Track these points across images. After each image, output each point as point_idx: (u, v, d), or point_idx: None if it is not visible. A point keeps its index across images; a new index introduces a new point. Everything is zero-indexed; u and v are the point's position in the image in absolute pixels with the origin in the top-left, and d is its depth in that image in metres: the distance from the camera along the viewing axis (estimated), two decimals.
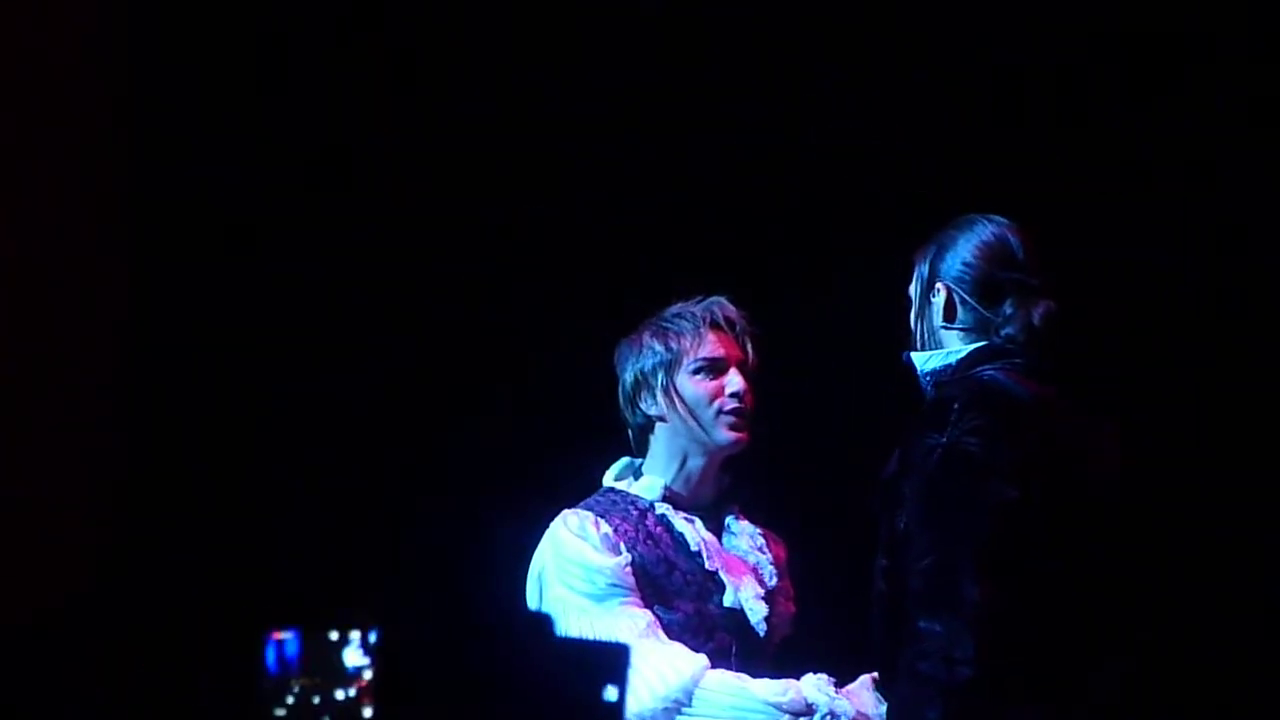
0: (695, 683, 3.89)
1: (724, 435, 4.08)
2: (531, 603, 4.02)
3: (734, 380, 4.08)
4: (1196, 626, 5.16)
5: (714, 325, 4.12)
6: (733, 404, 4.07)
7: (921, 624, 3.53)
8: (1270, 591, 5.24)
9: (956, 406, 3.61)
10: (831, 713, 3.89)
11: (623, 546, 4.00)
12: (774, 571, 4.13)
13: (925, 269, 3.83)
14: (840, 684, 3.95)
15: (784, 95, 5.37)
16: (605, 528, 4.01)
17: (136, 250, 5.38)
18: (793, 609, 4.16)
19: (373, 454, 5.39)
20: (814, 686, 3.92)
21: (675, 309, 4.16)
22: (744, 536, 4.14)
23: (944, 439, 3.58)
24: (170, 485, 5.35)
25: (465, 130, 5.44)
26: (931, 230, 3.88)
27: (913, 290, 3.86)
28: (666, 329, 4.12)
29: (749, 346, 4.14)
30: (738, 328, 4.14)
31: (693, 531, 4.07)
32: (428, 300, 5.42)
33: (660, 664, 3.89)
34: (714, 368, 4.09)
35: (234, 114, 5.40)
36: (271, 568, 5.30)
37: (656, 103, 5.41)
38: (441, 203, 5.44)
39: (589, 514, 4.04)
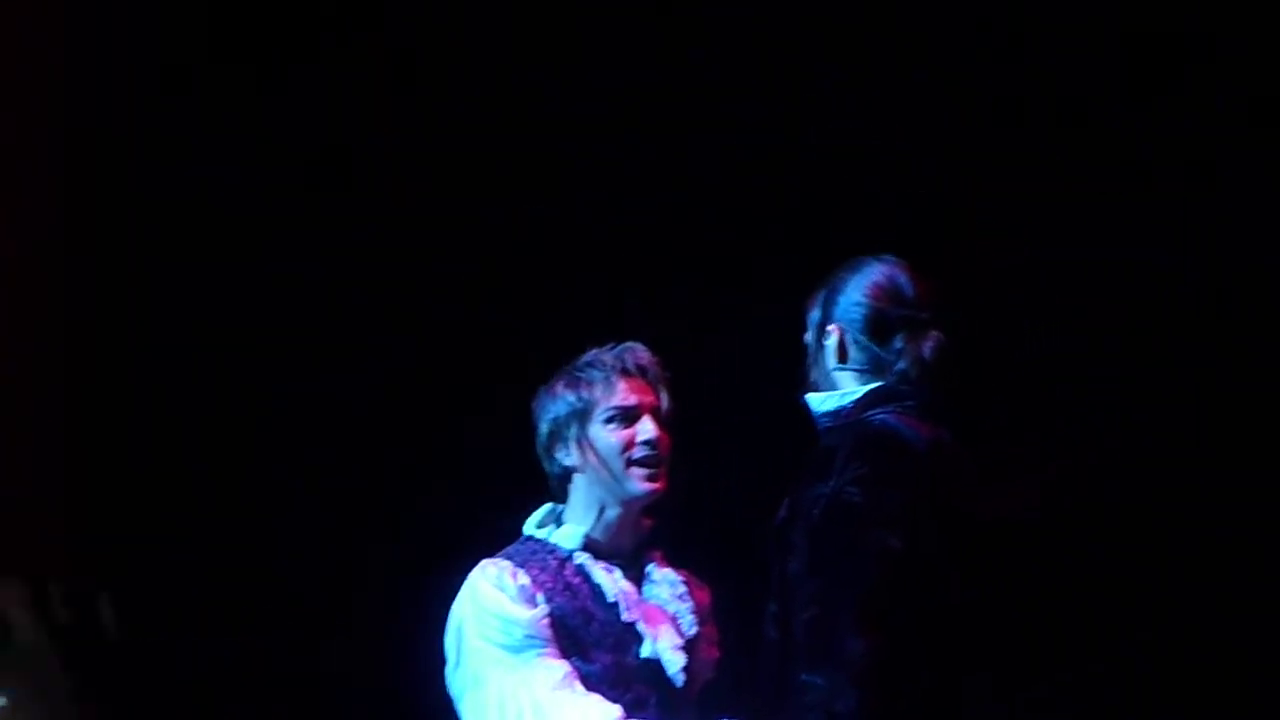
0: None
1: (637, 487, 4.06)
2: (450, 653, 4.02)
3: (646, 428, 4.06)
4: (1086, 676, 5.16)
5: (625, 373, 4.09)
6: (644, 452, 4.05)
7: (804, 676, 3.56)
8: (1177, 644, 5.21)
9: (842, 455, 3.63)
10: None
11: (540, 597, 4.00)
12: (693, 620, 4.11)
13: (818, 313, 3.88)
14: None
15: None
16: (523, 578, 4.01)
17: (133, 249, 5.44)
18: (716, 654, 4.15)
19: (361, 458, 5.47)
20: None
21: (588, 357, 4.14)
22: (664, 585, 4.13)
23: (828, 489, 3.61)
24: (159, 484, 5.42)
25: (459, 130, 5.47)
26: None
27: (808, 337, 3.90)
28: (579, 378, 4.10)
29: (663, 393, 4.11)
30: (650, 374, 4.12)
31: (611, 582, 4.06)
32: (415, 304, 5.48)
33: (573, 716, 3.89)
34: (626, 416, 4.07)
35: (231, 112, 5.43)
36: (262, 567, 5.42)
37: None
38: (423, 208, 5.49)
39: (507, 564, 4.04)
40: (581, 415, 4.08)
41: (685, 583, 4.18)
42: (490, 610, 3.99)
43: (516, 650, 3.97)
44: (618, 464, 4.06)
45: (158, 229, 5.45)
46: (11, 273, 5.23)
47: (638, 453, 4.06)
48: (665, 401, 4.12)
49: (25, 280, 5.26)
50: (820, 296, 3.88)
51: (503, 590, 4.01)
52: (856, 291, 3.83)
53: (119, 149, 5.43)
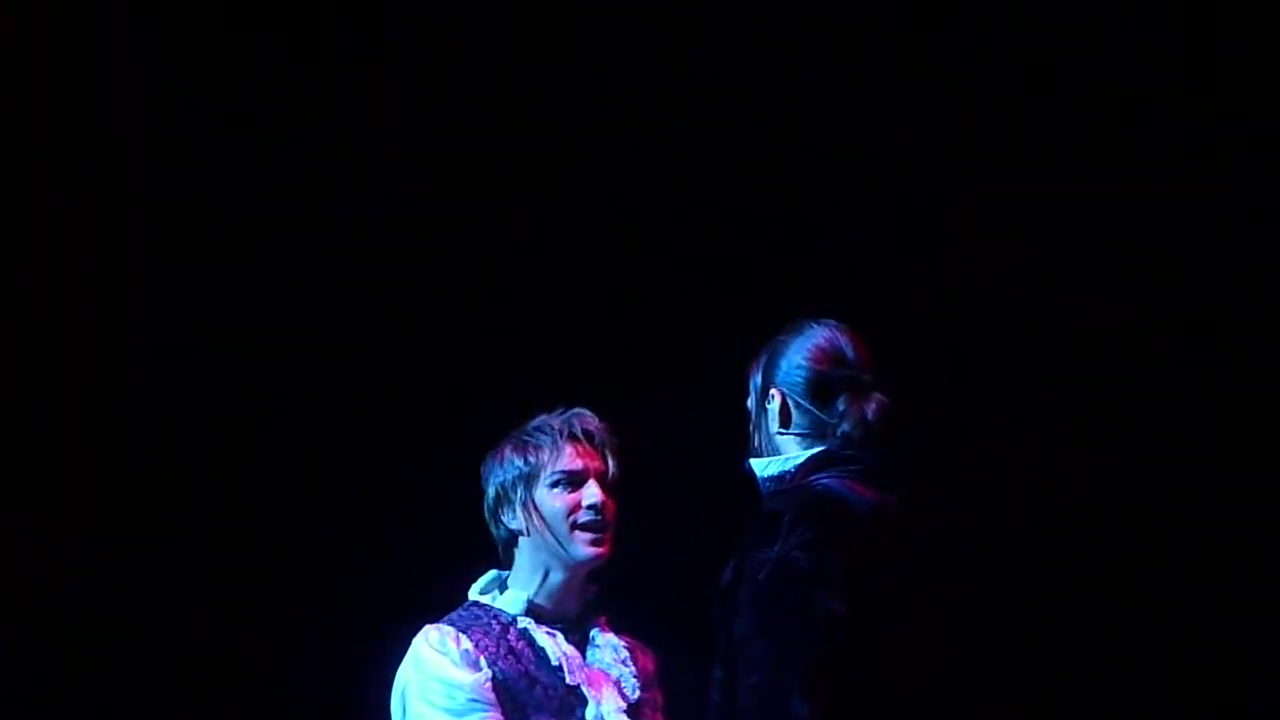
0: None
1: (581, 551, 4.06)
2: (395, 717, 4.03)
3: (591, 492, 4.07)
4: (1071, 619, 5.19)
5: (572, 438, 4.10)
6: (589, 516, 4.06)
7: None
8: (1154, 593, 5.23)
9: (786, 519, 3.62)
10: None
11: (483, 661, 4.00)
12: (637, 685, 4.11)
13: (759, 378, 3.86)
14: None
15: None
16: (466, 643, 4.01)
17: (127, 249, 5.47)
18: (660, 719, 4.15)
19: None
20: None
21: (537, 421, 4.14)
22: (608, 649, 4.13)
23: (773, 553, 3.59)
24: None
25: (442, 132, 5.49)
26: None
27: (750, 402, 3.88)
28: (526, 442, 4.11)
29: (610, 458, 4.11)
30: (596, 439, 4.12)
31: (554, 646, 4.06)
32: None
33: None
34: (572, 480, 4.07)
35: (229, 111, 5.46)
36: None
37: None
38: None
39: (450, 629, 4.04)
40: (528, 479, 4.09)
41: (629, 648, 4.18)
42: (433, 674, 4.00)
43: (459, 714, 3.98)
44: (563, 528, 4.07)
45: (150, 227, 5.48)
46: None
47: (583, 517, 4.07)
48: (612, 467, 4.12)
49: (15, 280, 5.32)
50: (761, 360, 3.87)
51: (445, 654, 4.01)
52: (798, 355, 3.82)
53: (117, 146, 5.46)
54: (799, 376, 3.80)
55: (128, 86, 5.46)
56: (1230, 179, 5.20)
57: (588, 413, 4.14)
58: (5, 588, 5.32)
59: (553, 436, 4.09)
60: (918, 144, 5.28)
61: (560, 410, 4.15)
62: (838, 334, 3.83)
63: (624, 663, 4.14)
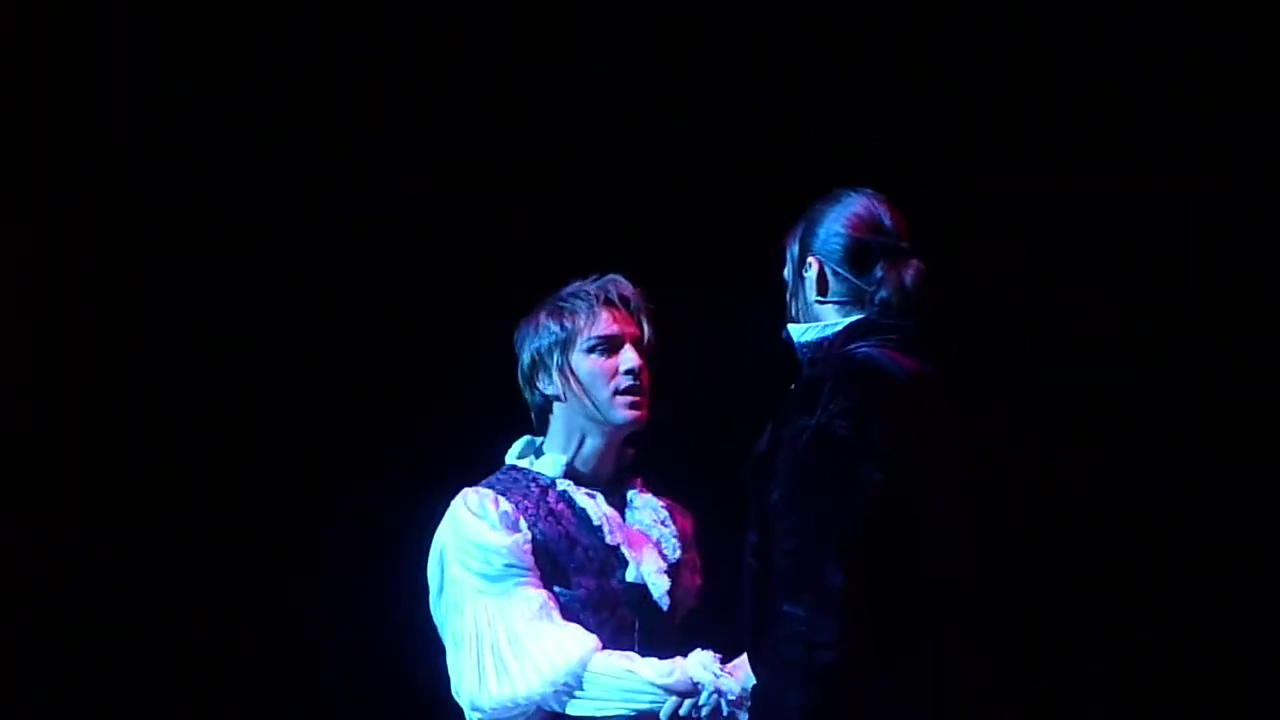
0: (583, 666, 3.91)
1: (620, 415, 4.07)
2: (433, 581, 4.04)
3: (628, 357, 4.07)
4: (1071, 619, 5.17)
5: (608, 303, 4.11)
6: (628, 381, 4.06)
7: (785, 608, 3.53)
8: (1154, 593, 5.23)
9: (827, 388, 3.60)
10: (717, 690, 3.90)
11: (523, 523, 4.01)
12: (677, 545, 4.13)
13: (796, 247, 3.84)
14: (729, 660, 3.96)
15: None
16: (505, 505, 4.02)
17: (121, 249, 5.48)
18: (699, 581, 4.17)
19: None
20: (699, 665, 3.93)
21: (571, 288, 4.15)
22: (646, 510, 4.15)
23: (813, 421, 3.57)
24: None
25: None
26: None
27: (787, 272, 3.87)
28: (561, 308, 4.11)
29: (645, 324, 4.12)
30: (633, 305, 4.13)
31: (595, 507, 4.08)
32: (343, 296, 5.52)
33: (549, 647, 3.91)
34: (609, 345, 4.08)
35: (221, 111, 5.48)
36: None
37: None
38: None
39: (489, 492, 4.04)
40: (564, 344, 4.10)
41: (667, 508, 4.19)
42: (470, 538, 4.01)
43: (495, 579, 3.98)
44: (600, 393, 4.08)
45: (148, 226, 5.50)
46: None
47: (620, 382, 4.08)
48: (648, 332, 4.13)
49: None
50: (798, 229, 3.85)
51: (484, 517, 4.02)
52: (835, 223, 3.80)
53: (113, 145, 5.46)
54: (837, 244, 3.78)
55: (126, 85, 5.45)
56: (1230, 178, 5.19)
57: (622, 279, 4.15)
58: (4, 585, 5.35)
59: (589, 302, 4.10)
60: (916, 142, 5.25)
61: (595, 277, 4.16)
62: (875, 202, 3.81)
63: (663, 523, 4.15)
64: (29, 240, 5.40)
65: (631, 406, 4.08)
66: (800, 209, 3.85)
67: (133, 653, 5.40)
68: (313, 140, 5.50)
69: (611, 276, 4.15)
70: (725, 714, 3.91)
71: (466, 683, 3.97)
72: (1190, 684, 5.22)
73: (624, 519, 4.13)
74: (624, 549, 4.07)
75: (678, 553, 4.13)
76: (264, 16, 5.49)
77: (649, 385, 4.11)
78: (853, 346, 3.72)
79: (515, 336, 4.17)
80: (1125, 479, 5.25)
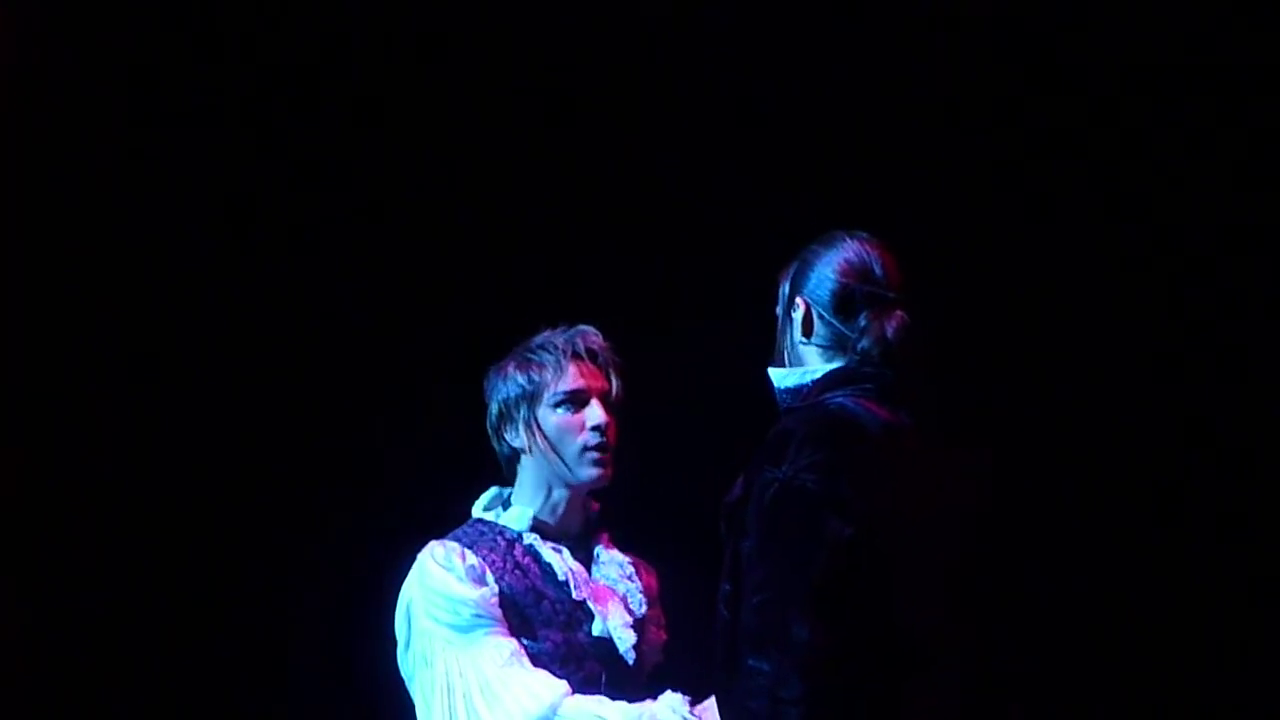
0: (554, 710, 3.92)
1: (585, 473, 4.10)
2: (400, 634, 4.05)
3: (595, 414, 4.09)
4: (1053, 674, 5.19)
5: (576, 356, 4.12)
6: (595, 439, 4.08)
7: (751, 661, 3.53)
8: (1140, 644, 5.26)
9: (797, 439, 3.59)
10: None
11: (489, 576, 4.02)
12: (643, 600, 4.15)
13: (787, 286, 3.85)
14: (698, 703, 3.97)
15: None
16: (472, 558, 4.03)
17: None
18: (664, 637, 4.20)
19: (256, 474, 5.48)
20: (668, 708, 3.95)
21: (540, 338, 4.16)
22: (612, 565, 4.17)
23: (781, 474, 3.57)
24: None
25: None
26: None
27: (778, 309, 3.87)
28: (529, 360, 4.12)
29: (613, 377, 4.14)
30: (600, 358, 4.14)
31: (560, 561, 4.09)
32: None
33: (520, 693, 3.92)
34: (575, 400, 4.10)
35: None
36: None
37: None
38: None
39: (455, 545, 4.06)
40: (531, 398, 4.11)
41: (633, 564, 4.21)
42: (438, 590, 4.02)
43: (464, 630, 4.00)
44: (567, 449, 4.10)
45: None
46: None
47: (588, 439, 4.10)
48: (615, 386, 4.14)
49: None
50: (791, 269, 3.86)
51: (450, 570, 4.03)
52: (827, 267, 3.81)
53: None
54: (825, 289, 3.78)
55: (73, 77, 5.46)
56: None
57: (592, 330, 4.16)
58: None
59: (556, 356, 4.11)
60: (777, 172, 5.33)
61: (564, 327, 4.17)
62: (868, 249, 3.81)
63: (629, 578, 4.18)
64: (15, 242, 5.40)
65: (596, 464, 4.10)
66: (779, 254, 3.88)
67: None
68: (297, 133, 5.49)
69: (580, 328, 4.16)
70: None
71: None
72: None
73: (590, 574, 4.15)
74: (590, 603, 4.09)
75: (643, 608, 4.16)
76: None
77: (614, 441, 4.12)
78: (828, 396, 3.72)
79: (484, 384, 4.18)
80: (1109, 530, 5.28)
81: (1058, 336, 5.32)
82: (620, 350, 4.18)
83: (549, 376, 4.11)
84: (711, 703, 3.91)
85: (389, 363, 5.47)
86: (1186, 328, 5.27)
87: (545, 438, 4.11)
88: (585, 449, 4.10)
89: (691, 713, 3.97)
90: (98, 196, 5.43)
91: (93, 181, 5.42)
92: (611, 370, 4.16)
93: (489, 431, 4.18)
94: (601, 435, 4.10)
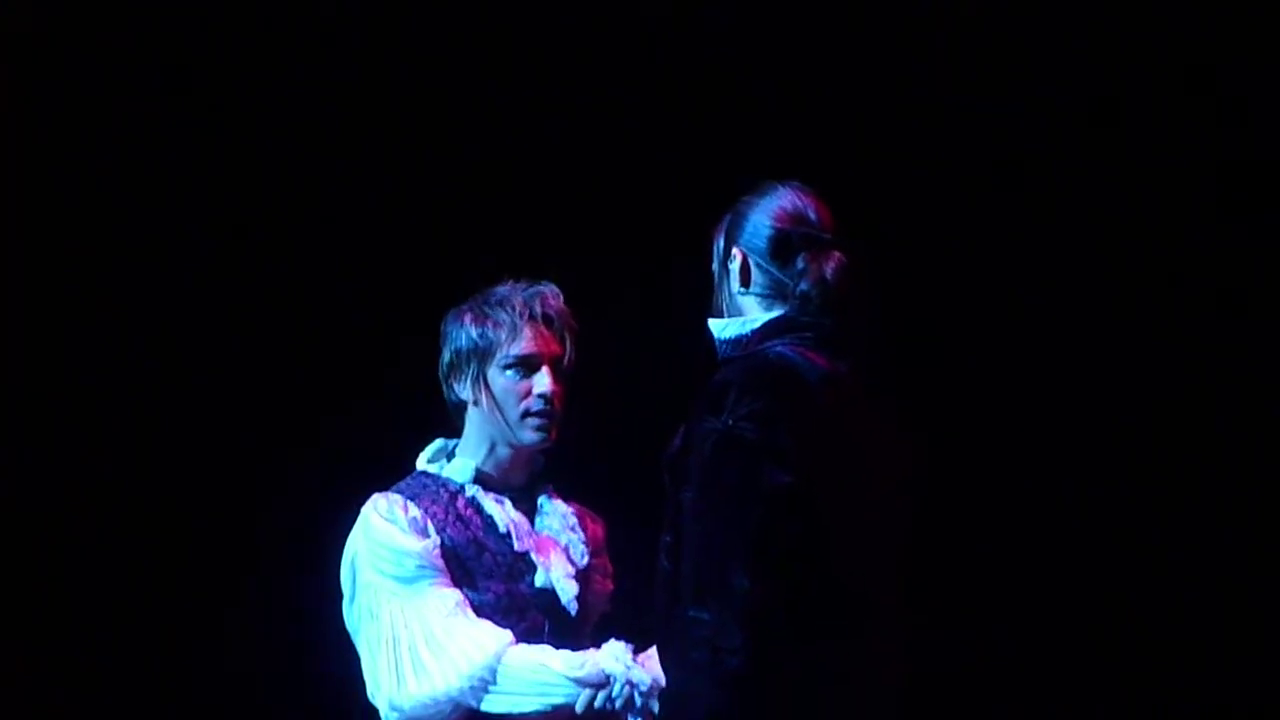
0: (498, 659, 3.94)
1: (527, 436, 4.10)
2: (345, 587, 4.06)
3: (543, 380, 4.09)
4: (995, 620, 5.24)
5: (532, 319, 4.10)
6: (539, 405, 4.09)
7: (691, 611, 3.55)
8: (1068, 594, 5.29)
9: (734, 390, 3.60)
10: (629, 681, 3.94)
11: (431, 529, 4.03)
12: (585, 551, 4.16)
13: (722, 239, 3.85)
14: (641, 650, 3.99)
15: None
16: (414, 510, 4.04)
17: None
18: (610, 586, 4.21)
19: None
20: (611, 656, 3.96)
21: (501, 293, 4.14)
22: (555, 516, 4.18)
23: (720, 424, 3.58)
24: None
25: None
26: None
27: (713, 264, 3.88)
28: (486, 314, 4.11)
29: (568, 343, 4.13)
30: (556, 323, 4.13)
31: (502, 513, 4.10)
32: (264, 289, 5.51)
33: (465, 643, 3.94)
34: (526, 364, 4.09)
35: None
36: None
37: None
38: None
39: (398, 497, 4.07)
40: (482, 355, 4.11)
41: (577, 514, 4.22)
42: (382, 542, 4.04)
43: (408, 581, 4.02)
44: (512, 412, 4.10)
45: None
46: None
47: (532, 404, 4.10)
48: (569, 352, 4.13)
49: None
50: (725, 221, 3.86)
51: (394, 522, 4.05)
52: (761, 215, 3.81)
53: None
54: (761, 236, 3.79)
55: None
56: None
57: (552, 292, 4.14)
58: None
59: (512, 317, 4.10)
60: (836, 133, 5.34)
61: (525, 284, 4.15)
62: (801, 195, 3.82)
63: (572, 529, 4.18)
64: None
65: (539, 429, 4.11)
66: (718, 205, 3.87)
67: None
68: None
69: (540, 289, 4.14)
70: (638, 705, 3.95)
71: (384, 685, 4.00)
72: (1126, 680, 5.32)
73: (533, 525, 4.16)
74: (532, 555, 4.10)
75: (586, 558, 4.17)
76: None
77: (561, 409, 4.12)
78: (767, 345, 3.73)
79: (441, 325, 4.18)
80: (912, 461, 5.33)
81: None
82: (575, 304, 4.16)
83: (503, 336, 4.10)
84: (654, 651, 3.93)
85: (337, 316, 5.49)
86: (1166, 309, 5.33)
87: (492, 397, 4.11)
88: (529, 414, 4.11)
89: (635, 660, 3.98)
90: (92, 197, 5.48)
91: (90, 182, 5.47)
92: (567, 335, 4.14)
93: (439, 376, 4.18)
94: (547, 403, 4.10)
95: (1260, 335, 5.29)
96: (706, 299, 3.90)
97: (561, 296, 4.15)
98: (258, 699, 5.42)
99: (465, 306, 4.16)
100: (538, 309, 4.12)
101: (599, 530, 4.26)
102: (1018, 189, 5.31)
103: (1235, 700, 5.28)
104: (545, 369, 4.10)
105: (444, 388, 4.18)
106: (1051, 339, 5.31)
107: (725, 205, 3.88)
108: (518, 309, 4.11)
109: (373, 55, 5.48)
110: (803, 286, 3.75)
